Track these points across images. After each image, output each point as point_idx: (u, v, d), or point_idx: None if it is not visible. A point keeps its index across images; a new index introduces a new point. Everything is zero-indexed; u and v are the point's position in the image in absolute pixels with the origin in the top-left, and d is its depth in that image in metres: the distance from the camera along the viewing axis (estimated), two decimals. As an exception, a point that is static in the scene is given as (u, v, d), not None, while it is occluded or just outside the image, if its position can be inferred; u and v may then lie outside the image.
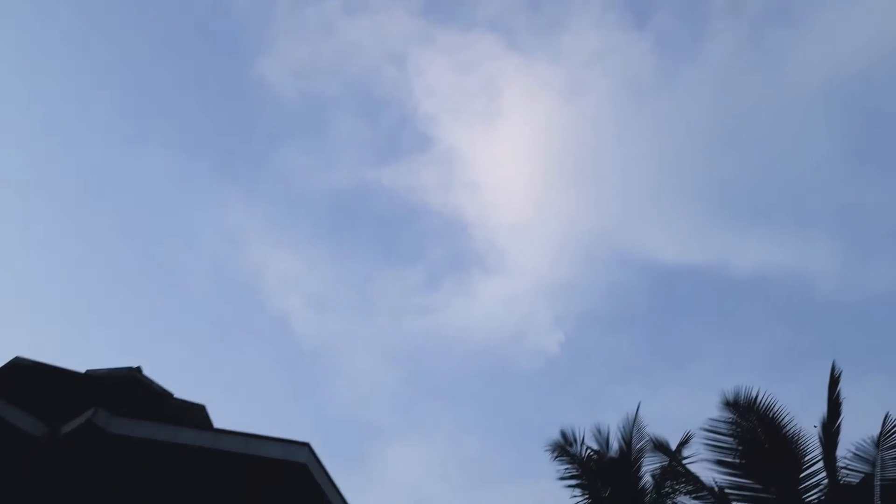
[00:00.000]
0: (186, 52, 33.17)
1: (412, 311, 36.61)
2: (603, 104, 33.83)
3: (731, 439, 12.16)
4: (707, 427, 12.33)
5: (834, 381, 11.79)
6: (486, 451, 36.08)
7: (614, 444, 14.74)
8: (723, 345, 34.78)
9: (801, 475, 11.62)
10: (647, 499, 13.80)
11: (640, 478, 14.28)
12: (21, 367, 8.78)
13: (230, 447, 7.40)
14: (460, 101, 35.49)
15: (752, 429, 12.06)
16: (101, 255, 33.30)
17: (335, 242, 38.90)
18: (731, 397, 12.32)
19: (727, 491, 12.10)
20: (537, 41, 34.82)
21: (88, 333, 29.13)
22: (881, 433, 11.32)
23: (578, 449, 14.90)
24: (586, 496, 14.46)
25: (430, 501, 35.44)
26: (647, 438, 14.19)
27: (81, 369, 8.82)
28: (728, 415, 12.25)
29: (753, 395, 12.22)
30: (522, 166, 38.73)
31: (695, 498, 13.11)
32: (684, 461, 13.58)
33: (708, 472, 12.50)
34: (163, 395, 8.90)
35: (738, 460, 12.04)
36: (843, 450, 11.54)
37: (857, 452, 11.43)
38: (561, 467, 14.84)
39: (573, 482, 14.69)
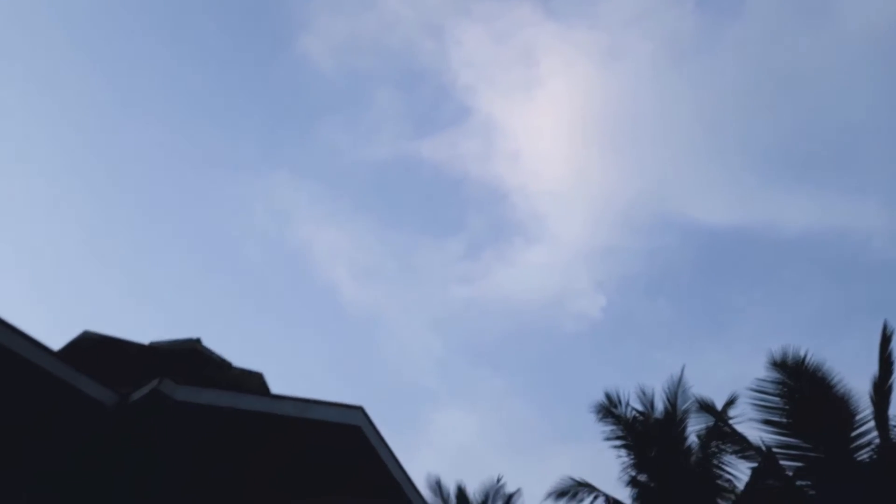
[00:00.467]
0: (234, 34, 33.58)
1: (456, 280, 36.93)
2: (642, 67, 32.92)
3: (778, 399, 12.11)
4: (754, 387, 12.30)
5: (886, 339, 11.65)
6: (532, 413, 36.58)
7: (659, 406, 14.84)
8: (768, 307, 34.20)
9: (852, 434, 11.55)
10: (693, 458, 13.90)
11: (686, 438, 14.37)
12: (90, 340, 9.26)
13: (288, 412, 7.71)
14: (498, 70, 35.03)
15: (801, 388, 11.98)
16: (161, 234, 34.69)
17: (379, 214, 39.34)
18: (778, 357, 12.26)
19: (775, 450, 12.08)
20: (574, 6, 33.98)
21: (152, 307, 30.35)
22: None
23: (623, 410, 15.04)
24: (632, 457, 14.64)
25: (480, 462, 36.16)
26: (692, 399, 14.23)
27: (145, 342, 9.27)
28: (776, 375, 12.19)
29: (802, 354, 12.16)
30: (561, 133, 38.28)
31: (741, 457, 13.15)
32: (731, 421, 13.59)
33: (754, 433, 12.52)
34: (222, 365, 9.28)
35: (786, 420, 11.99)
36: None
37: (910, 410, 11.32)
38: (606, 429, 15.05)
39: (619, 443, 14.88)
